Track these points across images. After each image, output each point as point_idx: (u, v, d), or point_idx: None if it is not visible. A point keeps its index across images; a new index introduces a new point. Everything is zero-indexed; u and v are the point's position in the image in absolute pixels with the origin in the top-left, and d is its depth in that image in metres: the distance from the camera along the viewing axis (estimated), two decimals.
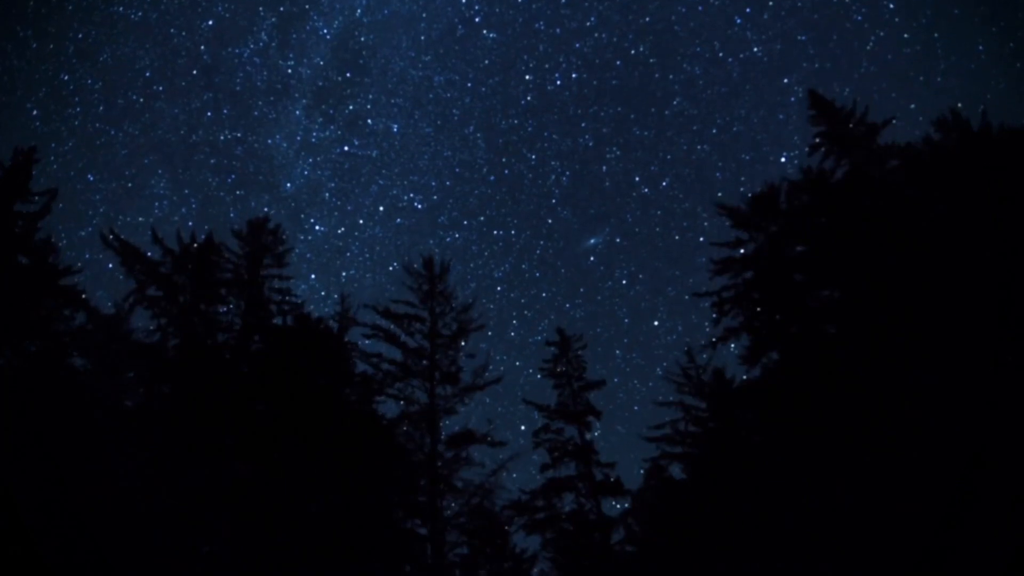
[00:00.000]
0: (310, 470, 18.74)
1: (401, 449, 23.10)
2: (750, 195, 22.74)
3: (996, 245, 16.67)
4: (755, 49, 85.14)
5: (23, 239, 19.76)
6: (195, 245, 23.69)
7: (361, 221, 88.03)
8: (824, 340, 19.13)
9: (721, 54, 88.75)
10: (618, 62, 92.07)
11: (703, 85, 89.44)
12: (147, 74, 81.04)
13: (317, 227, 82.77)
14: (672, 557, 21.31)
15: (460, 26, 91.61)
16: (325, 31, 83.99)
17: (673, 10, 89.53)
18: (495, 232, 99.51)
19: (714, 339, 23.00)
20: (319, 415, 19.66)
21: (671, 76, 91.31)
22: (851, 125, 24.01)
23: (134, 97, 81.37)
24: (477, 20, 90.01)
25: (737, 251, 22.82)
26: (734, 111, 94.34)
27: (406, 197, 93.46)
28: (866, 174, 21.55)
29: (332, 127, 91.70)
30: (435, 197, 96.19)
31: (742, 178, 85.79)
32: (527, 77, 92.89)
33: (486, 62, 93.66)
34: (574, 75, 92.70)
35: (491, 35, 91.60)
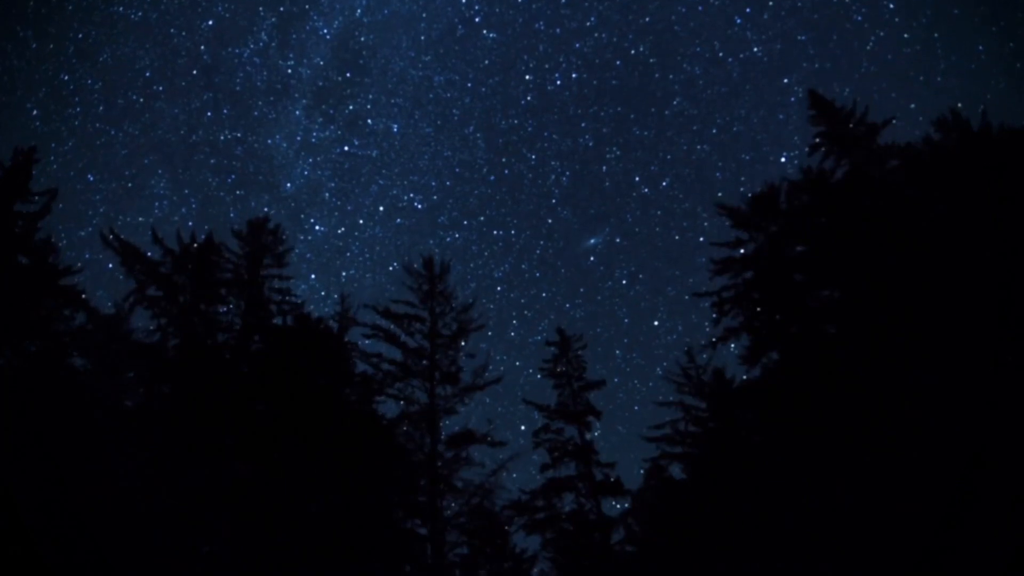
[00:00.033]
0: (310, 470, 18.74)
1: (401, 449, 23.10)
2: (750, 195, 22.77)
3: (996, 245, 16.67)
4: (755, 49, 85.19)
5: (23, 239, 19.76)
6: (195, 245, 23.70)
7: (361, 221, 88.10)
8: (824, 340, 19.13)
9: (721, 54, 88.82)
10: (618, 62, 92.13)
11: (703, 85, 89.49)
12: (147, 74, 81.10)
13: (317, 227, 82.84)
14: (672, 557, 21.31)
15: (460, 26, 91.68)
16: (325, 31, 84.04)
17: (673, 10, 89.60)
18: (495, 232, 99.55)
19: (714, 339, 23.03)
20: (319, 415, 19.66)
21: (671, 76, 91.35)
22: (851, 125, 24.02)
23: (134, 97, 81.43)
24: (477, 20, 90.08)
25: (737, 251, 22.83)
26: (734, 111, 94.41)
27: (406, 197, 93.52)
28: (866, 174, 21.55)
29: (332, 127, 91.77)
30: (435, 197, 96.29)
31: (742, 178, 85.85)
32: (527, 77, 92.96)
33: (486, 62, 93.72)
34: (574, 75, 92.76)
35: (491, 35, 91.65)
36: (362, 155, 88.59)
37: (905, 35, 71.96)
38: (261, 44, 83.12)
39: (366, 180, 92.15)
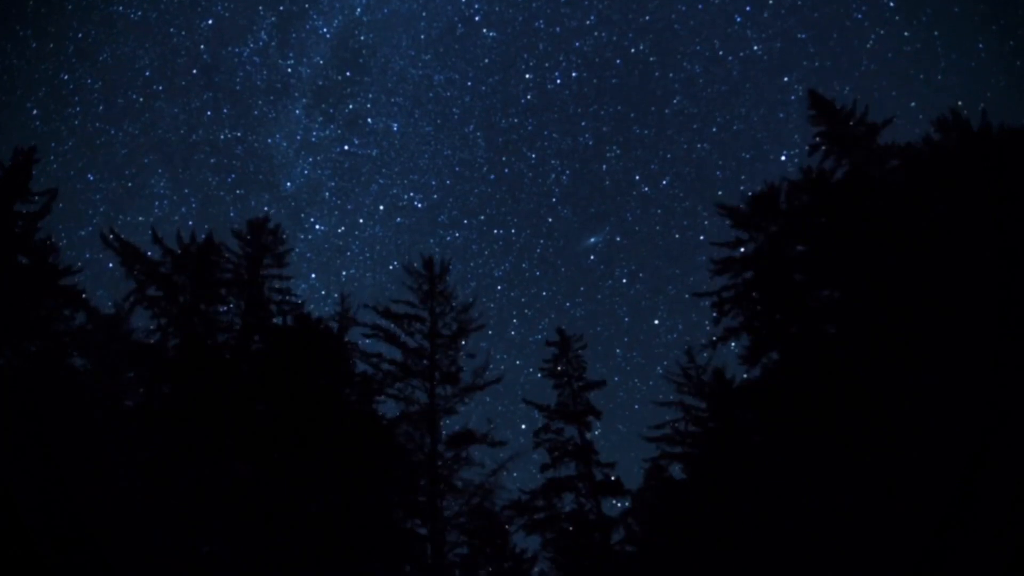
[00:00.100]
0: (310, 470, 18.74)
1: (401, 449, 23.09)
2: (750, 195, 22.79)
3: (996, 245, 16.66)
4: (755, 47, 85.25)
5: (23, 239, 19.77)
6: (195, 245, 23.72)
7: (361, 220, 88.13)
8: (824, 340, 19.13)
9: (721, 52, 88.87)
10: (618, 61, 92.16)
11: (703, 84, 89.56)
12: (147, 73, 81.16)
13: (317, 226, 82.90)
14: (672, 557, 21.31)
15: (460, 25, 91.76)
16: (325, 30, 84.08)
17: (673, 9, 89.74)
18: (495, 231, 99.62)
19: (714, 339, 23.02)
20: (319, 415, 19.66)
21: (671, 75, 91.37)
22: (851, 124, 24.04)
23: (134, 96, 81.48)
24: (477, 19, 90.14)
25: (737, 251, 22.84)
26: (734, 109, 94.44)
27: (406, 196, 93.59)
28: (866, 174, 21.56)
29: (332, 126, 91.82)
30: (435, 196, 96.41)
31: (742, 176, 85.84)
32: (527, 76, 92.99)
33: (486, 61, 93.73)
34: (574, 74, 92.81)
35: (491, 34, 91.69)
36: (362, 154, 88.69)
37: (905, 33, 72.01)
38: (261, 43, 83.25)
39: (366, 179, 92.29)
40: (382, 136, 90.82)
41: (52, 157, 69.31)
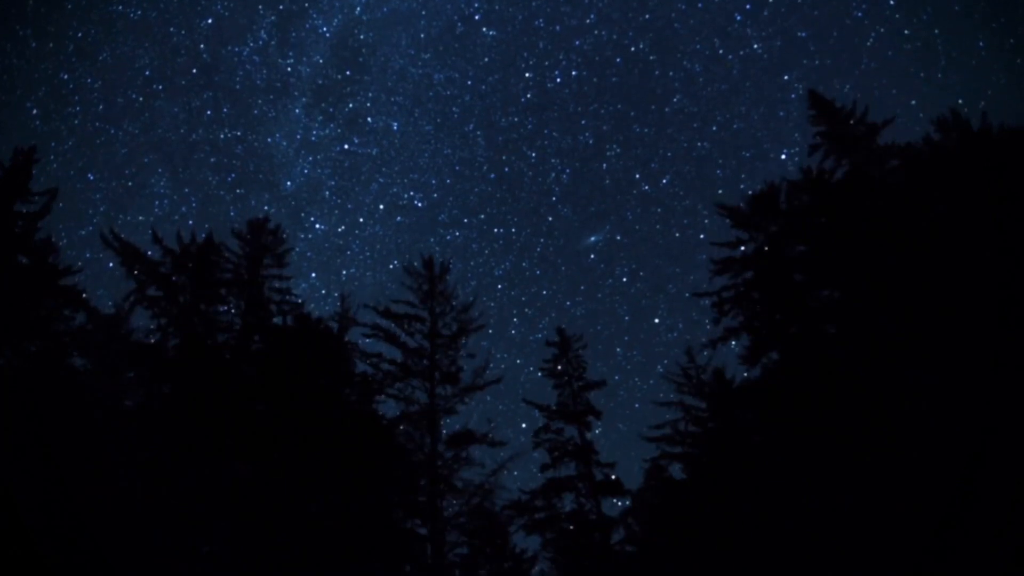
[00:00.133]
0: (310, 470, 18.75)
1: (401, 449, 23.10)
2: (750, 194, 22.80)
3: (996, 245, 16.67)
4: (755, 46, 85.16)
5: (23, 239, 19.77)
6: (195, 245, 23.73)
7: (361, 219, 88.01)
8: (824, 340, 19.14)
9: (721, 51, 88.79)
10: (618, 59, 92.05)
11: (703, 82, 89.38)
12: (147, 73, 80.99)
13: (317, 225, 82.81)
14: (672, 557, 21.31)
15: (460, 23, 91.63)
16: (324, 29, 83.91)
17: (673, 7, 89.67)
18: (495, 230, 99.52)
19: (714, 339, 23.02)
20: (319, 415, 19.66)
21: (671, 73, 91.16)
22: (851, 124, 24.05)
23: (134, 96, 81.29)
24: (477, 17, 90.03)
25: (737, 251, 22.85)
26: (734, 108, 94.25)
27: (406, 195, 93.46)
28: (866, 174, 21.57)
29: (332, 125, 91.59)
30: (435, 195, 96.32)
31: (742, 175, 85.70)
32: (527, 75, 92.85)
33: (486, 60, 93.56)
34: (574, 72, 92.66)
35: (491, 32, 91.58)
36: (362, 153, 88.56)
37: (905, 31, 71.93)
38: (261, 42, 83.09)
39: (366, 178, 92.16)
40: (382, 135, 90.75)
41: (52, 157, 69.18)
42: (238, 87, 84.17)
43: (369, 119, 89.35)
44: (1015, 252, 16.22)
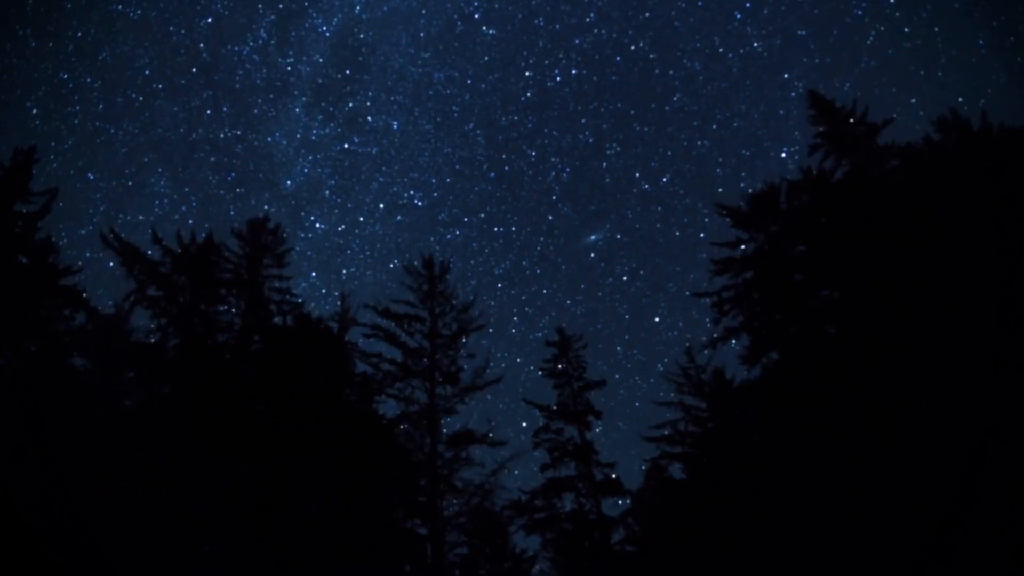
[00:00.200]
0: (310, 470, 18.75)
1: (401, 449, 23.10)
2: (750, 194, 22.81)
3: (996, 245, 16.67)
4: (755, 44, 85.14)
5: (23, 239, 19.77)
6: (195, 245, 23.72)
7: (361, 218, 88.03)
8: (824, 340, 19.14)
9: (721, 50, 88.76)
10: (618, 58, 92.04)
11: (703, 81, 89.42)
12: (146, 72, 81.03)
13: (317, 225, 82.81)
14: (672, 557, 21.31)
15: (459, 22, 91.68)
16: (324, 28, 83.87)
17: (673, 6, 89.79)
18: (495, 229, 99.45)
19: (714, 338, 23.03)
20: (319, 415, 19.67)
21: (671, 72, 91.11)
22: (851, 124, 24.06)
23: (134, 95, 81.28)
24: (476, 16, 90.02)
25: (737, 251, 22.85)
26: (734, 107, 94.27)
27: (406, 194, 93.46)
28: (866, 174, 21.57)
29: (332, 124, 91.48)
30: (435, 194, 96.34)
31: (742, 174, 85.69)
32: (527, 73, 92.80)
33: (486, 59, 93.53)
34: (574, 71, 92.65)
35: (490, 31, 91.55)
36: (362, 152, 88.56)
37: (905, 30, 71.91)
38: (260, 42, 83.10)
39: (366, 177, 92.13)
40: (382, 134, 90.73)
41: (52, 157, 69.19)
42: (238, 86, 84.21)
43: (369, 118, 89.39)
44: (1015, 252, 16.22)
